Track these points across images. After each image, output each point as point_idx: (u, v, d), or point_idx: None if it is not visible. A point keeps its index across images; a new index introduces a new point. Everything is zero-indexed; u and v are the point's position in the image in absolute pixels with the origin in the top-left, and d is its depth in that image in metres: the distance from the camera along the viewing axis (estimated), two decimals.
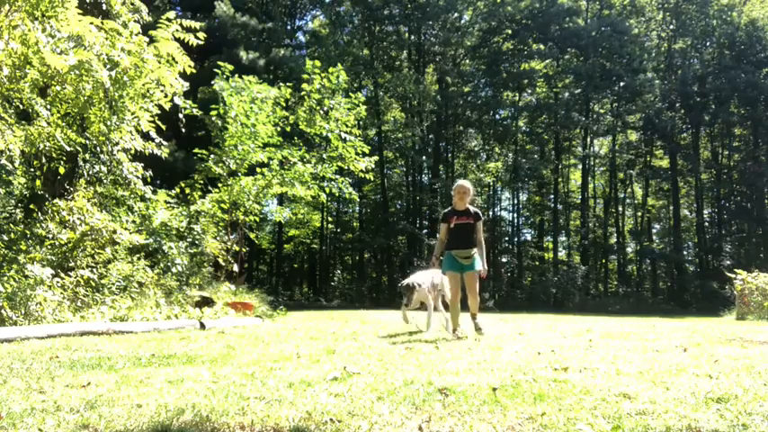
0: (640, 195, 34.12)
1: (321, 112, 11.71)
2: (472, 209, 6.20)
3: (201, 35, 7.64)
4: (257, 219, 12.55)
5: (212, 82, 11.92)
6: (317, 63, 11.82)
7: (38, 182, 8.27)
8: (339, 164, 12.02)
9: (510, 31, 31.62)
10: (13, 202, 8.71)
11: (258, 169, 11.75)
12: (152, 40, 7.24)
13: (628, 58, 29.88)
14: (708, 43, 31.90)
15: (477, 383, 2.96)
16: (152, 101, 7.61)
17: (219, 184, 11.64)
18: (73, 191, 8.60)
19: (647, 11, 31.94)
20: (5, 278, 6.00)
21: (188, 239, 10.20)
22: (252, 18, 24.73)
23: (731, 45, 30.50)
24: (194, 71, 7.60)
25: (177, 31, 7.34)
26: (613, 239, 33.03)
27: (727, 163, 32.56)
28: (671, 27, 32.00)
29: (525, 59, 32.19)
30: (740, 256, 28.70)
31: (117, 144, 8.28)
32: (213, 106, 11.47)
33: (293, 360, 3.97)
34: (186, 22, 7.53)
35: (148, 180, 9.72)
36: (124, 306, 7.06)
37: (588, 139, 33.17)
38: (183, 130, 9.07)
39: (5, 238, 7.51)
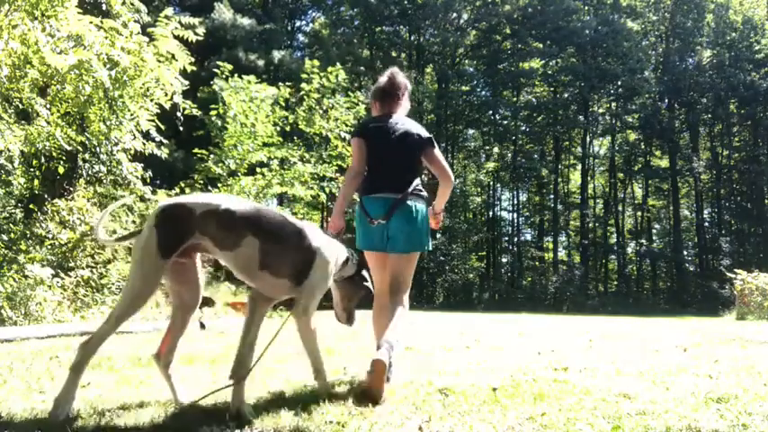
0: (640, 195, 34.11)
1: (320, 111, 11.71)
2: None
3: (201, 30, 7.64)
4: None
5: (212, 82, 11.92)
6: (316, 62, 11.82)
7: (36, 182, 8.26)
8: (339, 163, 12.02)
9: (509, 30, 31.64)
10: (13, 202, 8.70)
11: (258, 169, 11.75)
12: (151, 39, 7.24)
13: (625, 58, 29.89)
14: (705, 43, 31.87)
15: (477, 383, 2.96)
16: (152, 100, 7.61)
17: (219, 184, 11.63)
18: (72, 191, 8.60)
19: (639, 8, 31.92)
20: (5, 278, 6.00)
21: None
22: (251, 19, 24.75)
23: (729, 45, 30.51)
24: (194, 69, 7.60)
25: (176, 28, 7.35)
26: (613, 239, 33.02)
27: (727, 163, 32.55)
28: (667, 26, 31.99)
29: (524, 58, 32.19)
30: (740, 256, 28.70)
31: (117, 144, 8.28)
32: (213, 106, 11.47)
33: (293, 360, 3.96)
34: (185, 19, 7.54)
35: (148, 180, 9.72)
36: None
37: (587, 139, 33.18)
38: (181, 129, 9.06)
39: (5, 238, 7.51)
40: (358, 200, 3.12)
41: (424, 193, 3.15)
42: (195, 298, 2.60)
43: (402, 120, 3.24)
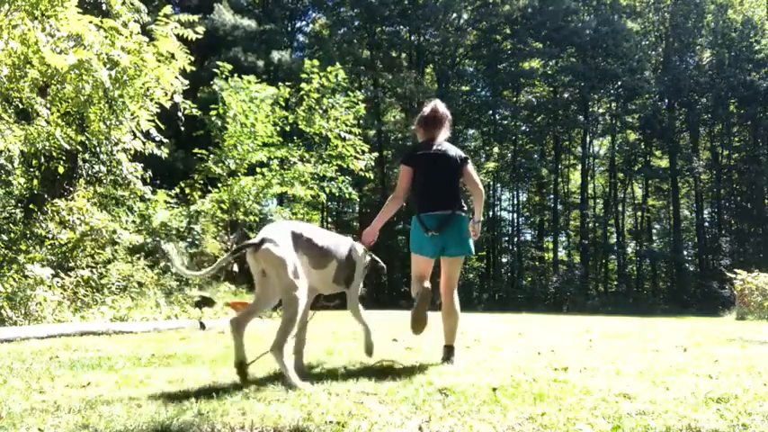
0: (640, 195, 34.11)
1: (320, 110, 11.70)
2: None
3: (200, 29, 7.65)
4: (257, 219, 12.55)
5: (211, 82, 11.93)
6: (315, 62, 11.81)
7: (35, 182, 8.27)
8: (339, 162, 12.02)
9: (509, 31, 31.64)
10: (13, 202, 8.71)
11: (258, 169, 11.76)
12: (151, 39, 7.24)
13: (625, 58, 29.87)
14: (705, 43, 31.86)
15: (477, 383, 2.96)
16: (152, 99, 7.61)
17: (219, 184, 11.63)
18: (72, 191, 8.60)
19: (639, 8, 31.89)
20: (5, 278, 6.00)
21: (188, 239, 10.20)
22: (251, 19, 24.75)
23: (729, 45, 30.50)
24: (194, 68, 7.61)
25: (176, 28, 7.35)
26: (613, 239, 33.03)
27: (727, 163, 32.55)
28: (667, 26, 31.98)
29: (524, 59, 32.20)
30: (740, 256, 28.69)
31: (117, 144, 8.28)
32: (213, 106, 11.47)
33: (293, 360, 3.96)
34: (184, 17, 7.54)
35: (148, 180, 9.72)
36: (124, 306, 7.06)
37: (587, 139, 33.19)
38: (182, 129, 9.06)
39: (5, 238, 7.51)
40: (416, 215, 3.75)
41: (465, 207, 3.78)
42: (270, 300, 3.25)
43: (443, 145, 3.82)
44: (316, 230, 3.31)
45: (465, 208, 3.76)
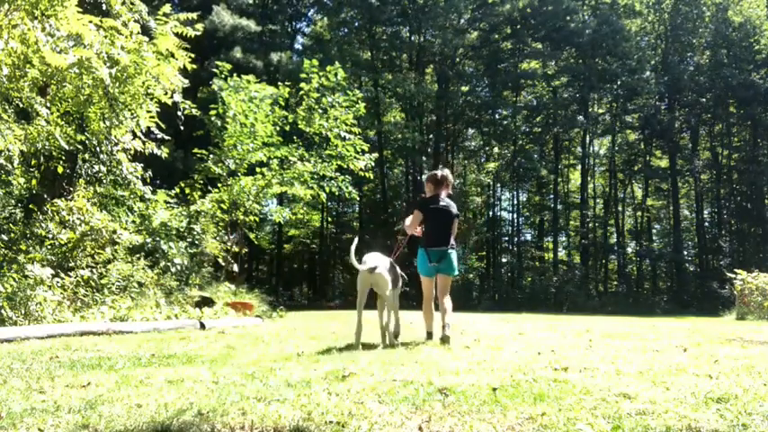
0: (640, 195, 34.11)
1: (320, 110, 11.69)
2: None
3: (200, 26, 7.66)
4: (257, 219, 12.55)
5: (211, 82, 11.93)
6: (315, 62, 11.79)
7: (33, 181, 8.26)
8: (339, 162, 12.01)
9: (509, 30, 31.65)
10: (13, 202, 8.70)
11: (258, 169, 11.75)
12: (151, 38, 7.25)
13: (625, 58, 29.85)
14: (705, 43, 31.83)
15: (477, 383, 2.96)
16: (152, 97, 7.60)
17: (219, 184, 11.63)
18: (72, 191, 8.60)
19: (639, 8, 31.86)
20: (5, 278, 6.00)
21: (188, 239, 10.20)
22: (252, 20, 24.75)
23: (728, 45, 30.48)
24: (195, 67, 7.62)
25: (175, 26, 7.36)
26: (613, 239, 33.01)
27: (727, 163, 32.54)
28: (667, 26, 31.96)
29: (524, 59, 32.19)
30: (740, 256, 28.67)
31: (117, 144, 8.28)
32: (212, 106, 11.47)
33: (293, 360, 3.97)
34: (183, 15, 7.55)
35: (148, 180, 9.72)
36: (124, 306, 7.05)
37: (587, 139, 33.18)
38: (182, 128, 9.07)
39: (5, 238, 7.51)
40: (422, 248, 5.37)
41: (455, 244, 5.41)
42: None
43: (446, 200, 5.41)
44: (390, 260, 5.11)
45: (454, 245, 5.40)
